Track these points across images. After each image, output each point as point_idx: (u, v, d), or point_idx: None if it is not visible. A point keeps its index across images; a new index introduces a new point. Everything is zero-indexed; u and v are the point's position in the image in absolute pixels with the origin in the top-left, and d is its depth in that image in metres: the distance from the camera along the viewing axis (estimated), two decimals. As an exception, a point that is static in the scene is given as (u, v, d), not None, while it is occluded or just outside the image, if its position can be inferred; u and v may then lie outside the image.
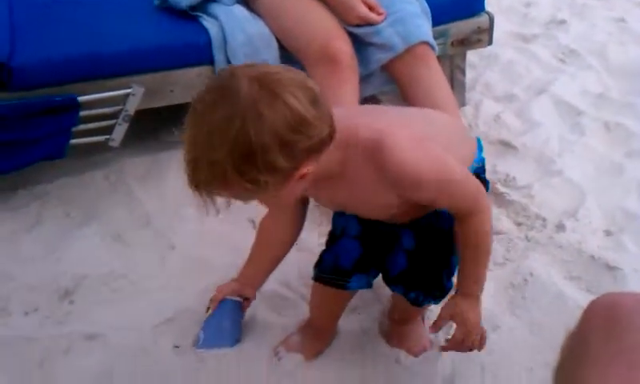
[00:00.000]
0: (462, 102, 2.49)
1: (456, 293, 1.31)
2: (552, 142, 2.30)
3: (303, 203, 1.43)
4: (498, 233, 1.87)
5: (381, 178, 1.15)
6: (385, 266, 1.38)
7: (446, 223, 1.28)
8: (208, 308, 1.54)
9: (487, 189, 1.33)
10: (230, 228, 1.95)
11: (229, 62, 2.02)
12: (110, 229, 1.92)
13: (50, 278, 1.73)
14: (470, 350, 1.31)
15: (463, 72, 2.50)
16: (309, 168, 1.05)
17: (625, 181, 2.10)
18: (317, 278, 1.42)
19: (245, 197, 1.09)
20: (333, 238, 1.41)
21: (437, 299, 1.38)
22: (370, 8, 1.93)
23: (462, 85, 2.51)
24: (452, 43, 2.29)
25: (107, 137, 2.03)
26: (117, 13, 2.22)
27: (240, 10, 2.07)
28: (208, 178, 1.02)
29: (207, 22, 2.06)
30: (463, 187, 1.21)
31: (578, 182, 2.09)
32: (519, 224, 1.94)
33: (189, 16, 2.12)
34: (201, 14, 2.10)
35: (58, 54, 1.95)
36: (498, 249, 1.82)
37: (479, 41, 2.37)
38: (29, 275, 1.74)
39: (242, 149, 0.98)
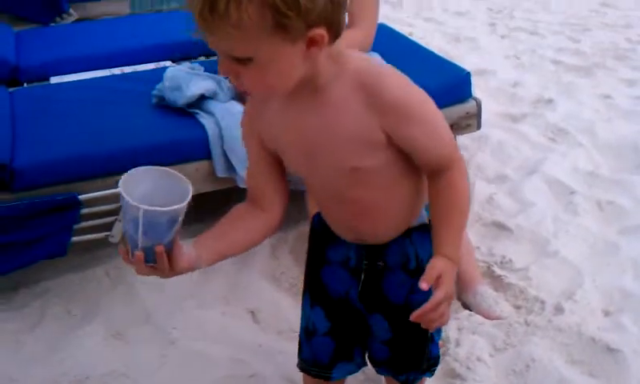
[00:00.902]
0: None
1: (436, 253, 1.14)
2: (546, 222, 2.34)
3: (281, 205, 1.26)
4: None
5: (369, 104, 1.07)
6: (368, 350, 1.38)
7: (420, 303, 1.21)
8: None
9: None
10: (230, 320, 1.96)
11: (226, 156, 2.07)
12: (110, 326, 1.92)
13: (52, 380, 1.72)
14: (437, 322, 1.14)
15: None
16: (319, 37, 0.97)
17: (620, 259, 2.12)
18: (301, 369, 1.42)
19: (250, 28, 0.93)
20: (307, 331, 1.39)
21: (429, 372, 1.37)
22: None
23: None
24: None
25: (107, 233, 2.06)
26: (116, 111, 2.29)
27: (236, 107, 2.14)
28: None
29: (204, 119, 2.13)
30: (442, 131, 1.13)
31: (574, 263, 2.11)
32: (518, 307, 1.95)
33: (186, 113, 2.19)
34: (197, 111, 2.17)
35: (59, 153, 2.00)
36: (498, 334, 1.83)
37: (468, 126, 2.44)
38: (31, 378, 1.73)
39: None
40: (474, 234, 2.14)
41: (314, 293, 1.37)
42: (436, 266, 1.11)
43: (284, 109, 1.11)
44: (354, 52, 1.11)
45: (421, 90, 1.11)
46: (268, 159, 1.21)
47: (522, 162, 2.81)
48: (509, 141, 2.98)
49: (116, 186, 1.98)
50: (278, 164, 1.22)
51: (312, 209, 1.46)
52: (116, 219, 2.02)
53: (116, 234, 2.06)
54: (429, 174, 1.16)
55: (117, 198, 1.97)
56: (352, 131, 1.08)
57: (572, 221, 2.34)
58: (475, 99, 2.46)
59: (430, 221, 1.22)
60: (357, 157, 1.11)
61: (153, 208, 1.02)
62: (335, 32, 1.00)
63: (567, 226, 2.31)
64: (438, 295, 1.09)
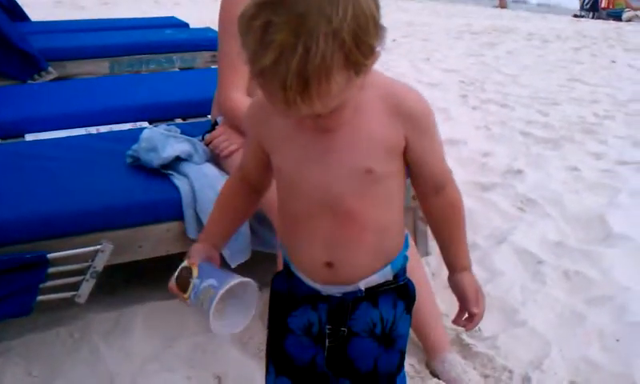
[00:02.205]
0: (426, 252, 2.56)
1: (457, 270, 1.30)
2: (514, 291, 2.36)
3: (270, 181, 1.34)
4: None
5: (393, 111, 1.13)
6: None
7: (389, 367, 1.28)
8: (179, 282, 1.29)
9: (411, 293, 1.32)
10: (196, 385, 1.92)
11: (198, 217, 2.07)
12: (72, 389, 1.87)
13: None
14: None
15: (425, 222, 2.57)
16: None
17: (587, 330, 2.14)
18: None
19: (338, 90, 0.98)
20: None
21: None
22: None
23: (425, 235, 2.59)
24: (413, 197, 2.38)
25: (74, 293, 2.03)
26: (89, 170, 2.29)
27: (210, 169, 2.16)
28: (324, 58, 0.92)
29: (178, 180, 2.14)
30: (441, 149, 1.23)
31: (541, 332, 2.13)
32: (486, 376, 1.95)
33: (160, 174, 2.20)
34: (172, 172, 2.18)
35: (29, 211, 1.99)
36: (466, 403, 1.82)
37: (440, 194, 2.47)
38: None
39: (355, 13, 0.94)
40: (442, 301, 2.15)
41: (279, 364, 1.34)
42: (471, 284, 1.29)
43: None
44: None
45: (429, 105, 1.20)
46: (262, 156, 1.26)
47: (491, 230, 2.85)
48: (479, 210, 3.03)
49: (85, 245, 1.98)
50: (268, 158, 1.26)
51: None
52: (83, 279, 2.00)
53: (83, 294, 2.03)
54: (430, 191, 1.24)
55: (85, 257, 1.97)
56: (376, 131, 1.14)
57: (540, 290, 2.37)
58: (450, 174, 2.50)
59: (437, 240, 1.31)
60: (374, 158, 1.15)
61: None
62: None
63: (535, 295, 2.34)
64: (482, 310, 1.31)
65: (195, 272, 1.28)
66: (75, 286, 2.02)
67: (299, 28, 0.92)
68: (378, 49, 1.00)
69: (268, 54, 0.93)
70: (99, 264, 2.00)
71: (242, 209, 1.38)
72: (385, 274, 1.26)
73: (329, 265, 1.22)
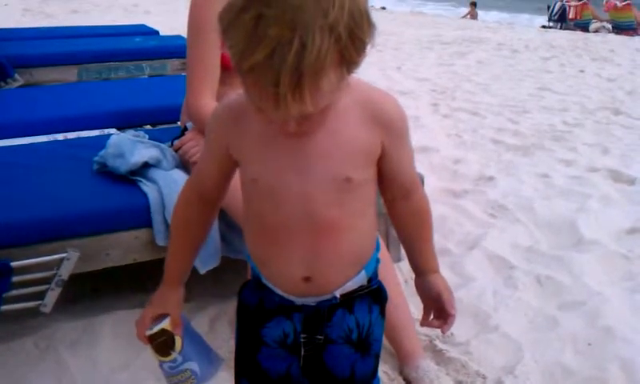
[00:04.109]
0: (398, 258, 2.54)
1: (426, 272, 1.30)
2: (487, 297, 2.36)
3: (226, 191, 1.28)
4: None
5: (372, 117, 1.12)
6: None
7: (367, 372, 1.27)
8: (157, 343, 1.26)
9: (384, 297, 1.30)
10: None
11: (167, 224, 2.03)
12: (37, 401, 1.82)
13: None
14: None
15: (398, 228, 2.57)
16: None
17: (560, 334, 2.14)
18: None
19: (330, 88, 0.95)
20: None
21: None
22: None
23: (397, 240, 2.56)
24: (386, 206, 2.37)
25: (39, 302, 1.97)
26: (54, 176, 2.24)
27: (179, 175, 2.12)
28: (319, 52, 0.89)
29: (146, 186, 2.09)
30: (412, 155, 1.23)
31: (514, 337, 2.12)
32: (460, 382, 1.93)
33: (128, 180, 2.15)
34: (140, 179, 2.14)
35: (-8, 218, 1.93)
36: (439, 410, 1.80)
37: (412, 200, 2.46)
38: None
39: (351, 8, 0.92)
40: (415, 307, 2.13)
41: (253, 378, 1.29)
42: (446, 285, 1.30)
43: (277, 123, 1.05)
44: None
45: (404, 111, 1.19)
46: (227, 164, 1.20)
47: (463, 236, 2.85)
48: (451, 216, 3.03)
49: (51, 253, 1.93)
50: (233, 169, 1.21)
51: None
52: (48, 288, 1.95)
53: (48, 303, 1.98)
54: (399, 196, 1.23)
55: (51, 265, 1.91)
56: (355, 138, 1.11)
57: (512, 295, 2.36)
58: (418, 174, 2.50)
59: (405, 244, 1.31)
60: (353, 166, 1.13)
61: None
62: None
63: (507, 300, 2.34)
64: (454, 308, 1.29)
65: (178, 345, 1.26)
66: (40, 295, 1.97)
67: (295, 21, 0.88)
68: (369, 46, 0.97)
69: (261, 48, 0.88)
70: (65, 272, 1.95)
71: (201, 230, 1.30)
72: (360, 280, 1.24)
73: (307, 279, 1.19)
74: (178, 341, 1.26)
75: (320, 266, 1.18)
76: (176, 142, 2.24)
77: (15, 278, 1.89)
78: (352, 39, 0.92)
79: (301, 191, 1.12)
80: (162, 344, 1.25)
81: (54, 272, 1.94)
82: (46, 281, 1.95)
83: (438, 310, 1.32)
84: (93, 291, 2.29)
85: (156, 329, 1.24)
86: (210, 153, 1.23)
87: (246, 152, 1.15)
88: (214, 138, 1.21)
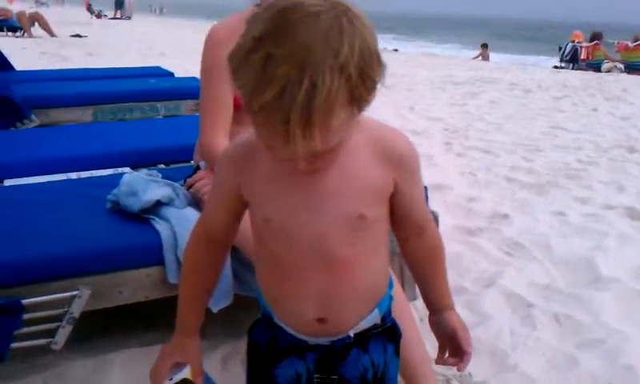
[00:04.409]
0: (413, 296, 2.50)
1: (442, 309, 1.30)
2: (504, 336, 2.31)
3: (235, 234, 1.27)
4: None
5: (383, 155, 1.11)
6: None
7: None
8: None
9: (398, 334, 1.28)
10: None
11: (178, 262, 2.01)
12: (45, 442, 1.78)
13: None
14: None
15: (413, 266, 2.54)
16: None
17: (578, 374, 2.09)
18: None
19: (340, 127, 0.94)
20: None
21: None
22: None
23: (412, 279, 2.53)
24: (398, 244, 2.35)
25: (50, 340, 1.95)
26: (67, 214, 2.24)
27: (192, 213, 2.12)
28: (330, 92, 0.88)
29: (159, 225, 2.08)
30: (423, 192, 1.23)
31: (533, 377, 2.07)
32: (477, 423, 1.88)
33: (140, 218, 2.15)
34: (152, 217, 2.13)
35: (4, 256, 1.92)
36: None
37: (427, 238, 2.43)
38: None
39: (361, 48, 0.91)
40: (431, 346, 2.09)
41: None
42: (462, 322, 1.29)
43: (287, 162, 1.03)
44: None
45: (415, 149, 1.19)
46: (236, 205, 1.19)
47: (479, 274, 2.81)
48: (466, 254, 3.00)
49: (62, 290, 1.92)
50: (244, 210, 1.20)
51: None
52: (59, 326, 1.93)
53: (59, 340, 1.96)
54: (412, 234, 1.22)
55: (62, 302, 1.90)
56: (368, 176, 1.11)
57: (530, 334, 2.32)
58: (432, 212, 2.47)
59: (419, 281, 1.31)
60: (366, 203, 1.12)
61: None
62: None
63: (525, 339, 2.29)
64: (470, 350, 1.28)
65: None
66: (51, 333, 1.95)
67: (304, 61, 0.88)
68: (379, 85, 0.97)
69: (271, 87, 0.88)
70: (76, 310, 1.93)
71: (212, 272, 1.30)
72: (373, 318, 1.22)
73: (320, 320, 1.17)
74: None
75: (334, 305, 1.16)
76: (188, 180, 2.24)
77: (26, 316, 1.88)
78: (362, 78, 0.92)
79: (314, 230, 1.11)
80: None
81: (66, 309, 1.93)
82: (57, 318, 1.93)
83: (453, 347, 1.30)
84: (104, 329, 2.27)
85: (177, 379, 1.22)
86: (219, 194, 1.22)
87: (258, 192, 1.14)
88: (224, 177, 1.20)
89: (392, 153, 1.12)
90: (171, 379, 1.22)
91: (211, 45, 2.02)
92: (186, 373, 1.22)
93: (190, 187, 2.23)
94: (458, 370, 1.32)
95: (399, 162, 1.13)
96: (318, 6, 0.91)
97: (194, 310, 1.29)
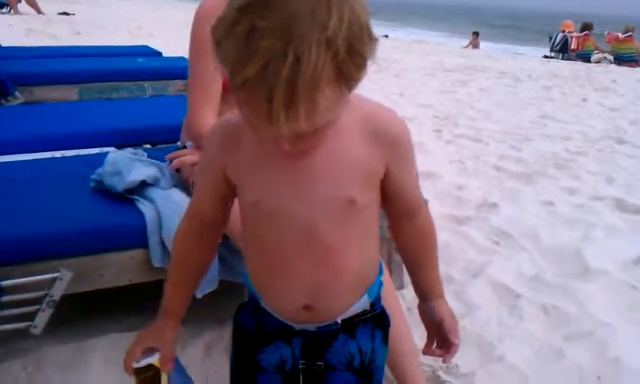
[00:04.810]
0: (401, 285, 2.48)
1: (431, 298, 1.27)
2: (491, 326, 2.29)
3: (227, 218, 1.23)
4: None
5: (375, 136, 1.06)
6: None
7: None
8: (141, 378, 1.19)
9: (387, 322, 1.26)
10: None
11: (163, 245, 1.97)
12: (24, 427, 1.75)
13: None
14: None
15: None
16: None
17: (566, 366, 2.08)
18: None
19: (327, 106, 0.88)
20: None
21: None
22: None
23: (400, 266, 2.51)
24: (389, 227, 2.32)
25: (29, 323, 1.91)
26: (49, 193, 2.19)
27: (178, 194, 2.07)
28: (315, 68, 0.83)
29: (143, 206, 2.04)
30: (415, 174, 1.19)
31: (520, 369, 2.05)
32: (463, 414, 1.87)
33: (124, 199, 2.10)
34: (137, 197, 2.08)
35: (-18, 236, 1.87)
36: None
37: (415, 225, 2.41)
38: None
39: (350, 20, 0.85)
40: (418, 337, 2.06)
41: None
42: (450, 312, 1.26)
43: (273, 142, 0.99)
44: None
45: (408, 129, 1.14)
46: (224, 187, 1.14)
47: (466, 263, 2.79)
48: (454, 242, 2.98)
49: (42, 272, 1.87)
50: (232, 192, 1.15)
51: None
52: (39, 309, 1.88)
53: (39, 324, 1.91)
54: (403, 216, 1.19)
55: (42, 285, 1.85)
56: (358, 158, 1.06)
57: (517, 325, 2.30)
58: (422, 198, 2.45)
59: (409, 267, 1.27)
60: (356, 187, 1.08)
61: None
62: None
63: (512, 330, 2.27)
64: (457, 342, 1.25)
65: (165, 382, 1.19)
66: (31, 316, 1.90)
67: (290, 34, 0.82)
68: (369, 62, 0.91)
69: (253, 61, 0.83)
70: (57, 293, 1.89)
71: (202, 260, 1.26)
72: (362, 304, 1.19)
73: (307, 308, 1.14)
74: (164, 379, 1.19)
75: (322, 292, 1.13)
76: (171, 154, 2.18)
77: (5, 298, 1.83)
78: (351, 54, 0.86)
79: (302, 214, 1.07)
80: (147, 379, 1.19)
81: (46, 292, 1.88)
82: (37, 301, 1.89)
83: (440, 338, 1.27)
84: (85, 313, 2.22)
85: (143, 362, 1.18)
86: (206, 174, 1.18)
87: (244, 174, 1.10)
88: (210, 156, 1.15)
89: (384, 134, 1.07)
90: (138, 362, 1.18)
91: (200, 20, 1.97)
92: (154, 358, 1.19)
93: (172, 159, 2.16)
94: (444, 361, 1.29)
95: (391, 143, 1.08)
96: None
97: (179, 297, 1.26)
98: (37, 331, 1.92)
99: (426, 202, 2.40)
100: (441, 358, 1.28)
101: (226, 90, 2.00)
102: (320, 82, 0.84)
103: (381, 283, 1.26)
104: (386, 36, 17.65)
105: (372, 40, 0.91)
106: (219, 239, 1.27)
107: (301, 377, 1.19)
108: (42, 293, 1.88)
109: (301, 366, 1.19)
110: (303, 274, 1.11)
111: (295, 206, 1.07)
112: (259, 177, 1.08)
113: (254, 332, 1.21)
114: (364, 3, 0.90)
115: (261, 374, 1.20)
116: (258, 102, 0.85)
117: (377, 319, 1.23)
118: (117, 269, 1.97)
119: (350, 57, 0.87)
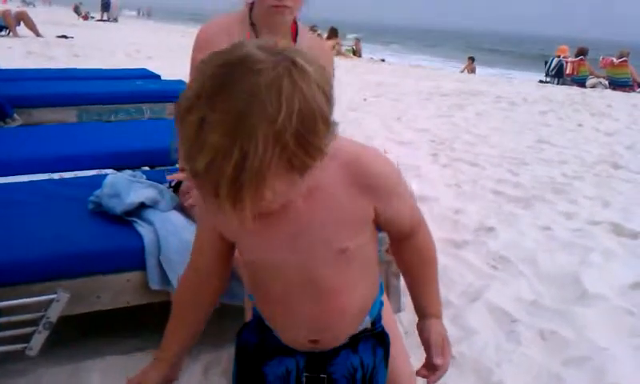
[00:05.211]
0: (398, 308, 2.47)
1: (426, 316, 1.26)
2: (489, 351, 2.28)
3: (228, 272, 1.25)
4: None
5: (358, 184, 1.05)
6: None
7: None
8: None
9: (387, 341, 1.27)
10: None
11: (161, 267, 1.97)
12: None
13: None
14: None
15: (398, 277, 2.51)
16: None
17: (564, 392, 2.07)
18: None
19: (277, 196, 0.89)
20: None
21: None
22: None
23: (398, 290, 2.51)
24: (387, 250, 2.32)
25: (25, 345, 1.89)
26: (47, 215, 2.19)
27: (176, 217, 2.07)
28: (261, 165, 0.82)
29: (142, 228, 2.04)
30: (411, 199, 1.19)
31: (518, 394, 2.04)
32: (462, 440, 1.85)
33: (123, 221, 2.10)
34: (136, 220, 2.08)
35: (-20, 257, 1.86)
36: None
37: (413, 249, 2.40)
38: None
39: (301, 112, 0.84)
40: (416, 360, 2.05)
41: None
42: (439, 332, 1.24)
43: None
44: None
45: (392, 162, 1.13)
46: (223, 245, 1.16)
47: (464, 288, 2.78)
48: (452, 266, 2.97)
49: (40, 293, 1.86)
50: (231, 247, 1.17)
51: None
52: (35, 330, 1.87)
53: (35, 346, 1.90)
54: (402, 237, 1.19)
55: (38, 306, 1.84)
56: (345, 209, 1.06)
57: (515, 350, 2.29)
58: (421, 218, 2.45)
59: (408, 285, 1.27)
60: (347, 237, 1.09)
61: None
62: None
63: (510, 355, 2.26)
64: (448, 359, 1.24)
65: None
66: (27, 338, 1.89)
67: (237, 128, 0.83)
68: (326, 149, 0.90)
69: (201, 156, 0.84)
70: (53, 314, 1.88)
71: (198, 316, 1.26)
72: (364, 324, 1.23)
73: (313, 341, 1.18)
74: None
75: (326, 329, 1.17)
76: (173, 175, 2.18)
77: (1, 319, 1.82)
78: (301, 146, 0.86)
79: (298, 264, 1.10)
80: None
81: (42, 314, 1.87)
82: (34, 323, 1.88)
83: (427, 358, 1.28)
84: (81, 335, 2.21)
85: None
86: (204, 226, 1.20)
87: (234, 236, 1.13)
88: (204, 215, 1.18)
89: (367, 179, 1.07)
90: None
91: (200, 44, 1.98)
92: None
93: (174, 185, 2.16)
94: (428, 382, 1.28)
95: (376, 187, 1.08)
96: (261, 62, 0.86)
97: (174, 342, 1.26)
98: (32, 353, 1.91)
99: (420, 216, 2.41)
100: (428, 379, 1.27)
101: None
102: (266, 178, 0.85)
103: (381, 303, 1.27)
104: (383, 60, 17.77)
105: (328, 126, 0.90)
106: (222, 290, 1.26)
107: None
108: (38, 314, 1.87)
109: (305, 379, 1.20)
110: (306, 313, 1.14)
111: (290, 258, 1.09)
112: (249, 239, 1.10)
113: (258, 346, 1.23)
114: (322, 86, 0.89)
115: None
116: (207, 193, 0.87)
117: (378, 337, 1.25)
118: (114, 291, 1.97)
119: (301, 149, 0.86)
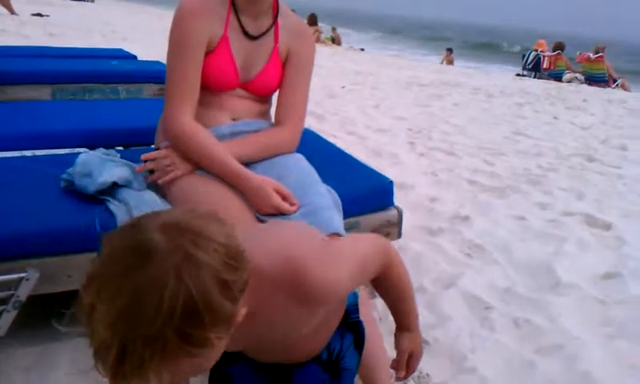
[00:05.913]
0: (373, 293, 2.47)
1: (400, 329, 1.36)
2: (463, 338, 2.29)
3: None
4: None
5: (299, 300, 1.04)
6: None
7: None
8: None
9: (362, 332, 1.35)
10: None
11: (135, 247, 1.93)
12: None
13: None
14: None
15: (374, 264, 2.51)
16: (244, 307, 0.93)
17: (536, 379, 2.08)
18: None
19: (185, 369, 0.89)
20: None
21: None
22: (284, 198, 1.92)
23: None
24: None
25: (-8, 324, 1.85)
26: (17, 192, 2.13)
27: (150, 196, 2.03)
28: (142, 361, 0.83)
29: (115, 207, 2.00)
30: (374, 256, 1.20)
31: (491, 380, 2.06)
32: (434, 425, 1.85)
33: (96, 200, 2.05)
34: (109, 198, 2.04)
35: (-54, 233, 1.81)
36: None
37: (388, 234, 2.41)
38: None
39: (185, 309, 0.83)
40: (391, 347, 2.05)
41: None
42: (403, 347, 1.34)
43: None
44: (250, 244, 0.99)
45: (341, 251, 1.14)
46: None
47: (438, 274, 2.79)
48: (426, 253, 2.98)
49: (9, 272, 1.81)
50: None
51: None
52: (4, 309, 1.83)
53: (3, 325, 1.86)
54: (376, 278, 1.25)
55: (7, 285, 1.80)
56: (297, 321, 1.10)
57: (489, 337, 2.30)
58: (397, 208, 2.45)
59: (386, 303, 1.36)
60: (307, 330, 1.14)
61: None
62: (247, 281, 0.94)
63: (484, 342, 2.27)
64: (413, 366, 1.37)
65: None
66: (-6, 317, 1.85)
67: (117, 325, 0.82)
68: (216, 336, 0.87)
69: (92, 341, 0.86)
70: (23, 293, 1.84)
71: None
72: None
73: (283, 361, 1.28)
74: None
75: (296, 360, 1.27)
76: (147, 154, 2.12)
77: (-32, 298, 1.78)
78: (186, 338, 0.84)
79: (269, 349, 1.21)
80: None
81: (11, 293, 1.83)
82: (3, 302, 1.83)
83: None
84: (50, 315, 2.17)
85: None
86: None
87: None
88: None
89: (306, 297, 1.05)
90: None
91: (181, 17, 1.92)
92: None
93: (146, 160, 2.10)
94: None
95: (322, 300, 1.08)
96: (155, 253, 0.84)
97: None
98: (1, 332, 1.86)
99: (400, 212, 2.41)
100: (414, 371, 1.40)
101: (203, 90, 1.97)
102: (148, 372, 0.84)
103: (355, 295, 1.30)
104: (362, 49, 17.74)
105: (219, 314, 0.87)
106: None
107: (269, 372, 1.26)
108: (7, 293, 1.82)
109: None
110: (277, 357, 1.25)
111: (259, 354, 1.23)
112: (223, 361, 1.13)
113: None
114: (218, 265, 0.87)
115: (235, 366, 1.27)
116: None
117: (349, 324, 1.29)
118: (85, 270, 1.92)
119: (185, 341, 0.85)
